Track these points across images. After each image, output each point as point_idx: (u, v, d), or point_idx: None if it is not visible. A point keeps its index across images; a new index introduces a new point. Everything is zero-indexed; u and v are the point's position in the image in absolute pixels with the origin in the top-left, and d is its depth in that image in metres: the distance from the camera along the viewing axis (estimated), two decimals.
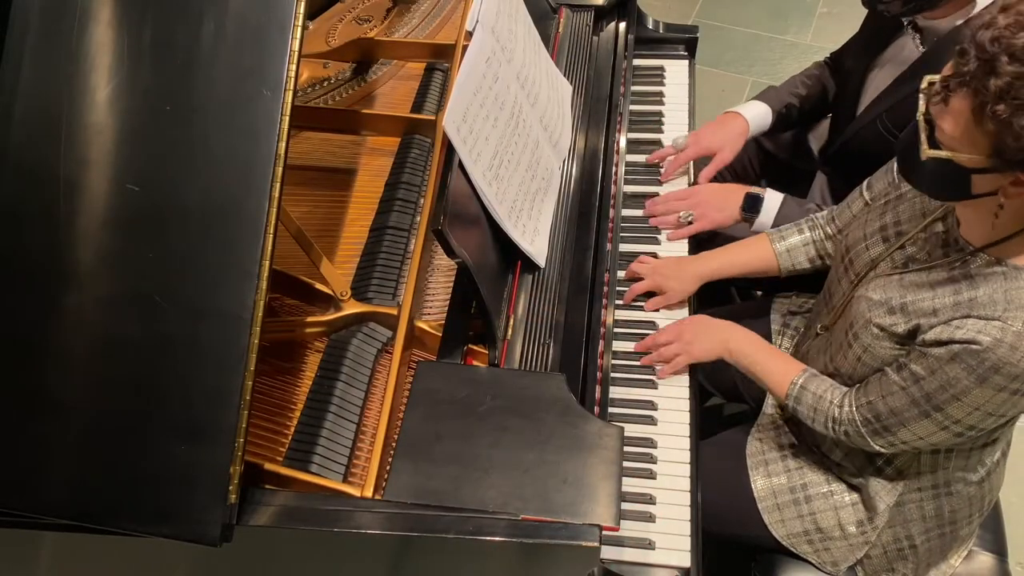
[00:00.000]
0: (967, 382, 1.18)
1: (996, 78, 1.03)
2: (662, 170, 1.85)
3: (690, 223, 1.72)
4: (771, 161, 2.09)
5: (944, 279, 1.24)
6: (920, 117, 1.13)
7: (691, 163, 1.85)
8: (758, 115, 1.88)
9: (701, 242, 1.78)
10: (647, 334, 1.59)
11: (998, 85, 1.03)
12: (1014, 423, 1.37)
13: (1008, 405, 1.20)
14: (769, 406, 1.64)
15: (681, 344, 1.52)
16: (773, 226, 1.70)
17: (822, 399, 1.40)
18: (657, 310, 1.63)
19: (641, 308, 1.63)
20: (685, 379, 1.54)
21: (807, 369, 1.45)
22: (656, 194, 1.81)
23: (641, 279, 1.64)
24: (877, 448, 1.35)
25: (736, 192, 1.73)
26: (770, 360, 1.49)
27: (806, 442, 1.53)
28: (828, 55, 1.97)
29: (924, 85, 1.13)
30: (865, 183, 1.51)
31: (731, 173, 2.04)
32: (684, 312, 1.63)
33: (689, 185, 1.82)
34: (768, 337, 1.73)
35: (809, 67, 1.97)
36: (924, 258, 1.30)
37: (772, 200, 1.70)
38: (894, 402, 1.28)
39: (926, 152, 1.12)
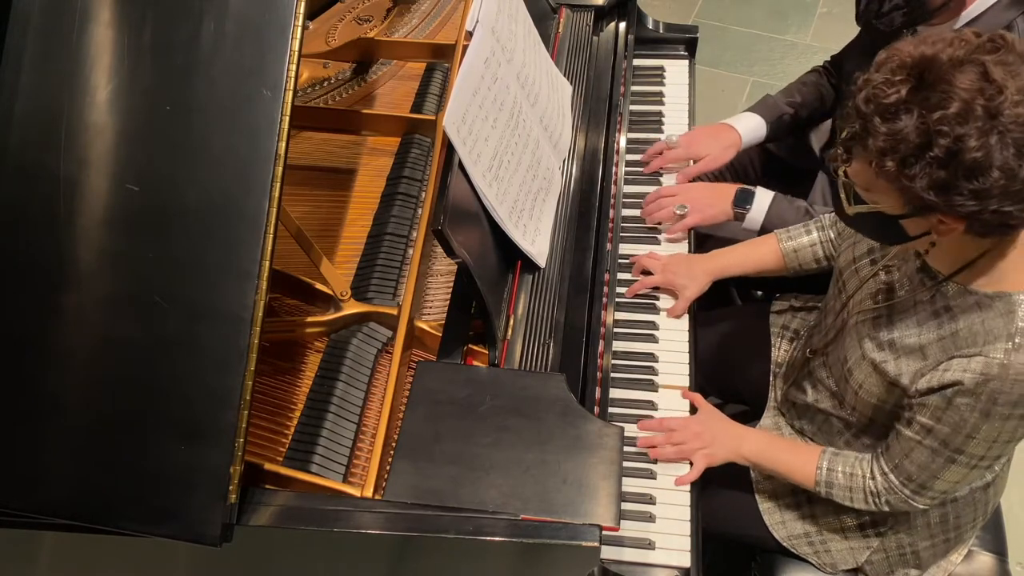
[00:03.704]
0: (973, 420, 1.18)
1: (874, 139, 1.06)
2: (645, 161, 1.85)
3: (685, 214, 1.71)
4: (772, 161, 2.09)
5: (926, 312, 1.25)
6: (840, 177, 1.17)
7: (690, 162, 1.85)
8: (751, 128, 1.88)
9: (698, 246, 1.78)
10: (647, 334, 1.59)
11: (878, 145, 1.06)
12: None
13: (1022, 429, 1.20)
14: (770, 410, 1.64)
15: (696, 446, 1.42)
16: (764, 223, 1.69)
17: (854, 476, 1.37)
18: (679, 316, 1.60)
19: (641, 309, 1.63)
20: (686, 379, 1.54)
21: (826, 450, 1.41)
22: (644, 172, 1.82)
23: (649, 274, 1.64)
24: (923, 507, 1.33)
25: (726, 188, 1.73)
26: (787, 455, 1.45)
27: (831, 500, 1.52)
28: (825, 60, 1.97)
29: (834, 151, 1.16)
30: None
31: (731, 173, 2.04)
32: (684, 321, 1.61)
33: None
34: (767, 339, 1.73)
35: (805, 74, 1.97)
36: (905, 282, 1.30)
37: (763, 196, 1.70)
38: (918, 457, 1.27)
39: (850, 209, 1.17)
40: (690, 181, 1.81)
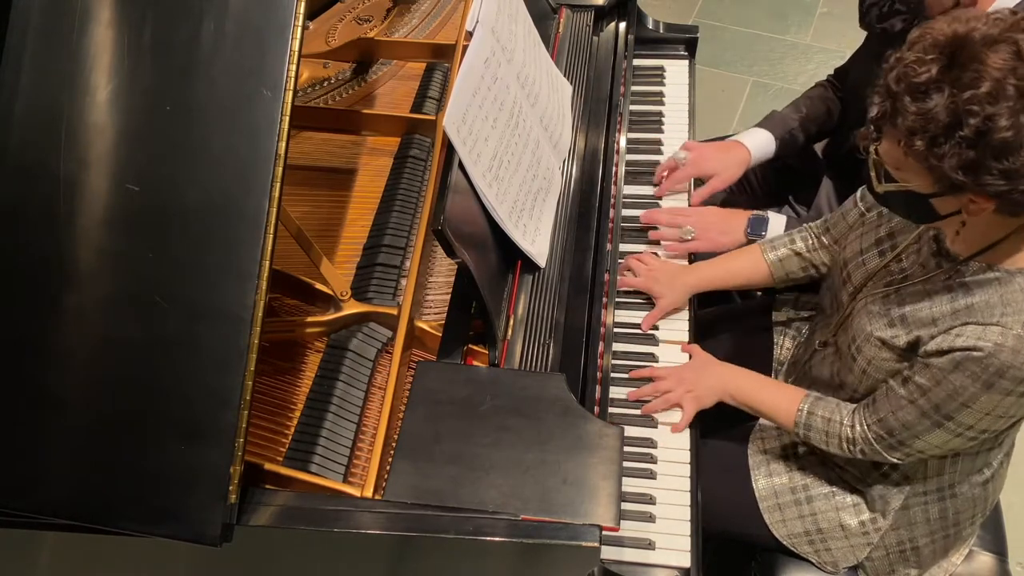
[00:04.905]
0: (974, 389, 1.18)
1: (903, 118, 1.06)
2: (657, 183, 1.82)
3: (691, 239, 1.69)
4: (774, 166, 2.08)
5: (940, 288, 1.24)
6: (870, 156, 1.17)
7: (691, 180, 1.84)
8: (760, 143, 1.86)
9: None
10: (647, 335, 1.59)
11: (907, 124, 1.05)
12: (1020, 426, 1.37)
13: (1017, 407, 1.19)
14: None
15: (682, 391, 1.48)
16: None
17: (832, 421, 1.38)
18: (654, 327, 1.60)
19: (642, 309, 1.63)
20: None
21: (809, 394, 1.44)
22: (655, 196, 1.81)
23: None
24: (894, 461, 1.34)
25: (739, 216, 1.71)
26: (772, 394, 1.48)
27: (808, 443, 1.53)
28: (829, 75, 1.96)
29: (863, 129, 1.16)
30: (859, 192, 1.50)
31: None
32: (684, 321, 1.61)
33: (689, 201, 1.81)
34: (769, 337, 1.73)
35: (810, 88, 1.96)
36: (919, 269, 1.30)
37: (776, 222, 1.69)
38: (905, 416, 1.27)
39: (879, 188, 1.17)
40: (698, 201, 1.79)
